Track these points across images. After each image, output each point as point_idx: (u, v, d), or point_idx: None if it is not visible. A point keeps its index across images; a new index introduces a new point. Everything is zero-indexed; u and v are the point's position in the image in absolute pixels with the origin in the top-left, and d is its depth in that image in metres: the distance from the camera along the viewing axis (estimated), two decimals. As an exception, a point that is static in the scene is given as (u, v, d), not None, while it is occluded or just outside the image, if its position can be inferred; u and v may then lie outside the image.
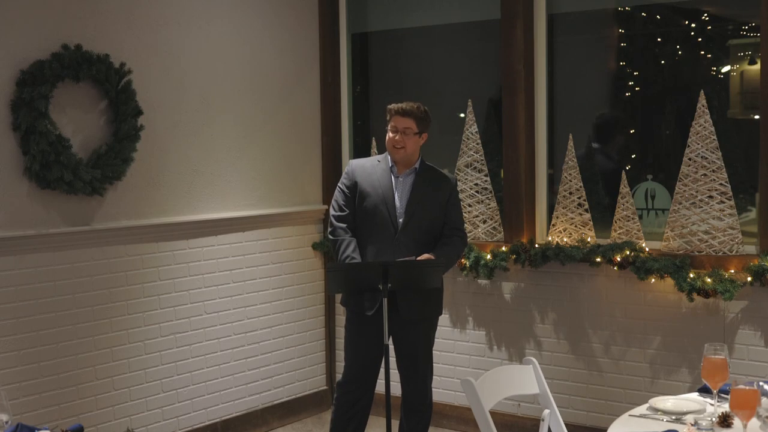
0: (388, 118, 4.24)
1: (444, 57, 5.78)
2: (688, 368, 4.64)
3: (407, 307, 4.15)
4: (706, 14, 4.97)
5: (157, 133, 4.81)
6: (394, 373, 4.29)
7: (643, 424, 2.82)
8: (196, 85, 5.01)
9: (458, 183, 5.24)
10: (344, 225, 4.22)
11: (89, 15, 4.48)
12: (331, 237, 4.26)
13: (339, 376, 4.53)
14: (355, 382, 4.29)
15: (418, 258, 4.11)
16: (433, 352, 4.36)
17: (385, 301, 3.89)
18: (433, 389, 4.34)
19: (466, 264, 5.14)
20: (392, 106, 4.24)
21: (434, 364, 4.38)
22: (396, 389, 4.31)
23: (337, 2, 5.78)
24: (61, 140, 4.29)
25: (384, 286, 3.87)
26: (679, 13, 5.06)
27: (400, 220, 4.18)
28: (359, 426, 4.34)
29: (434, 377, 4.38)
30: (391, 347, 4.27)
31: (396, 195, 4.21)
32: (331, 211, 4.30)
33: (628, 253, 4.67)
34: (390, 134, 4.21)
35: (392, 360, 4.34)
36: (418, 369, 4.26)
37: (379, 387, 4.25)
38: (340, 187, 4.29)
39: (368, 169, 4.28)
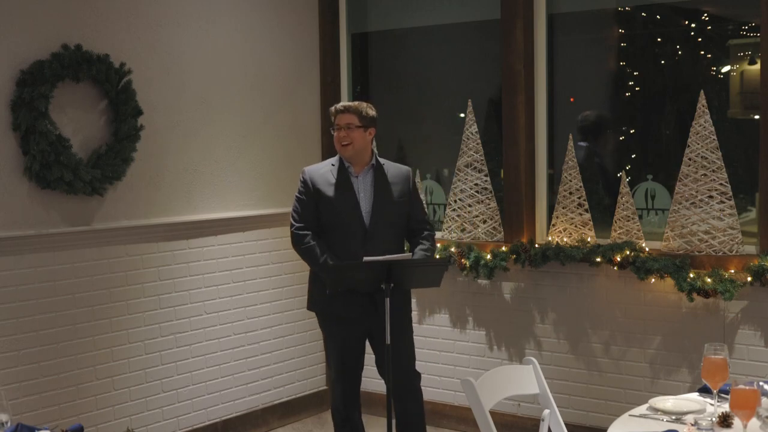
0: (332, 120, 4.22)
1: (444, 57, 5.77)
2: (688, 368, 4.64)
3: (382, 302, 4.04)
4: (706, 14, 4.96)
5: (157, 133, 4.81)
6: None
7: (643, 424, 2.82)
8: (196, 85, 5.01)
9: (454, 182, 5.25)
10: (308, 232, 4.16)
11: (89, 15, 4.48)
12: (299, 246, 4.17)
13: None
14: (346, 398, 4.25)
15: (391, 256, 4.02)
16: (425, 342, 4.30)
17: (388, 301, 3.87)
18: (432, 389, 4.35)
19: (466, 264, 5.13)
20: (331, 108, 4.26)
21: (434, 364, 4.37)
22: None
23: (337, 2, 5.78)
24: (61, 140, 4.29)
25: (387, 285, 3.86)
26: (679, 13, 5.06)
27: (368, 220, 4.14)
28: None
29: (434, 377, 4.37)
30: (370, 347, 4.27)
31: (359, 195, 4.17)
32: (292, 222, 4.23)
33: (628, 253, 4.67)
34: (335, 134, 4.19)
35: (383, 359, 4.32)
36: (401, 351, 4.19)
37: (380, 386, 4.24)
38: (298, 197, 4.23)
39: (324, 174, 4.22)
